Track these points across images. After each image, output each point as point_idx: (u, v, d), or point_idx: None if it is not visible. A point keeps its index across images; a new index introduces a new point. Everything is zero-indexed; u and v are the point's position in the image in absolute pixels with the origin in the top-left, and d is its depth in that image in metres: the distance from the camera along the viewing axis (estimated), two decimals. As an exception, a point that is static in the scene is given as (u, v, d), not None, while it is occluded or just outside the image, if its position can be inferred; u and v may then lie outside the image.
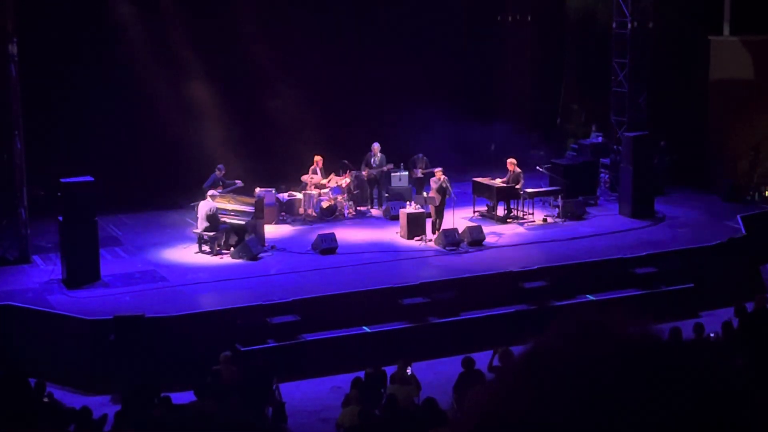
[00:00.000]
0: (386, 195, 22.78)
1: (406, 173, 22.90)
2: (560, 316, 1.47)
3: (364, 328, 17.00)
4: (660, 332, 1.43)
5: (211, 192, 19.84)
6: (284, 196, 22.18)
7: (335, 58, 25.05)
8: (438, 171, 20.73)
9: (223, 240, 19.51)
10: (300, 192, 22.22)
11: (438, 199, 20.39)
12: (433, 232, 20.21)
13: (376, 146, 22.76)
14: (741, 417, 1.33)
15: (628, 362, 1.35)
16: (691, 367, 1.37)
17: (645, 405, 1.30)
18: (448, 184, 20.52)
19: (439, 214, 20.47)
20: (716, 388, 1.34)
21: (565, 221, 21.58)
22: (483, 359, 13.80)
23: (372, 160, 22.67)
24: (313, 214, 21.77)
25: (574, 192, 22.27)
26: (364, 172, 22.56)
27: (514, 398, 1.37)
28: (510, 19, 27.79)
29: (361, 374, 13.96)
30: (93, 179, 17.99)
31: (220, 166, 20.87)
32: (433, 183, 20.65)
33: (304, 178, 22.16)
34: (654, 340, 1.40)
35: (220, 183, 20.59)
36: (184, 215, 21.87)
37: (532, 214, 21.82)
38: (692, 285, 18.81)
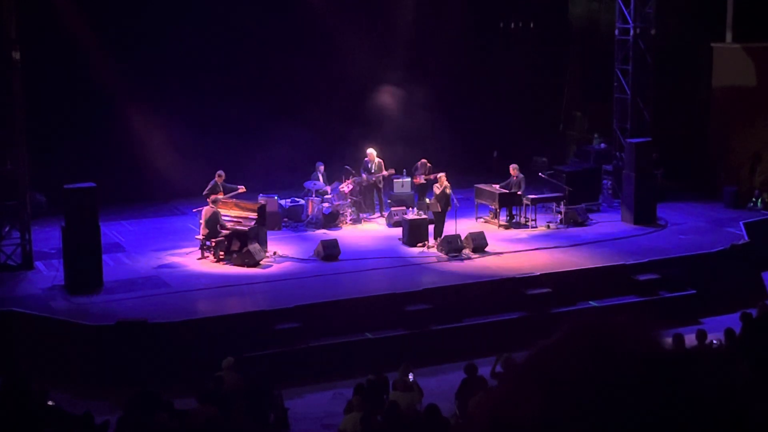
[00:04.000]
0: (388, 201, 22.77)
1: (409, 179, 22.90)
2: (564, 322, 1.47)
3: (367, 334, 16.98)
4: (665, 340, 1.43)
5: (213, 197, 19.87)
6: (287, 202, 22.19)
7: (338, 64, 25.07)
8: (441, 176, 20.74)
9: (226, 246, 19.51)
10: (303, 198, 22.24)
11: (439, 205, 20.40)
12: (435, 239, 20.21)
13: (371, 152, 22.73)
14: (744, 426, 1.32)
15: (634, 370, 1.35)
16: (697, 376, 1.36)
17: (649, 414, 1.30)
18: (450, 191, 20.53)
19: (441, 221, 20.46)
20: (719, 397, 1.34)
21: (567, 227, 21.58)
22: (486, 366, 13.78)
23: (369, 166, 22.65)
24: (316, 220, 21.77)
25: (576, 198, 22.27)
26: (363, 176, 22.55)
27: (518, 404, 1.37)
28: (513, 26, 27.81)
29: (364, 381, 13.94)
30: (95, 185, 18.00)
31: (220, 171, 20.88)
32: (436, 189, 20.63)
33: (307, 184, 22.18)
34: (660, 348, 1.40)
35: (220, 188, 20.59)
36: (186, 221, 21.89)
37: (535, 220, 21.82)
38: (694, 291, 18.82)
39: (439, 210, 20.44)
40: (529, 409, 1.34)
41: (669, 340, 1.45)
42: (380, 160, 22.71)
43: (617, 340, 1.40)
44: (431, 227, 20.54)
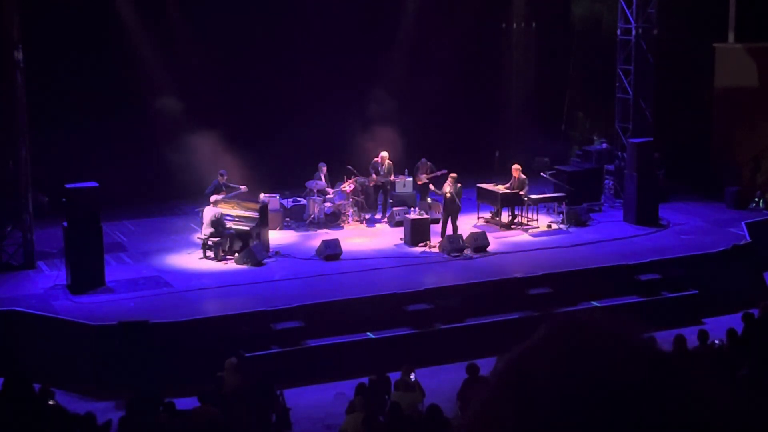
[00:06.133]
0: (390, 201, 22.78)
1: (411, 179, 22.91)
2: (549, 320, 1.45)
3: (368, 334, 16.99)
4: (653, 338, 1.41)
5: (214, 197, 19.88)
6: (289, 201, 22.21)
7: (340, 65, 25.07)
8: (451, 176, 20.56)
9: (228, 246, 19.52)
10: (304, 198, 22.25)
11: (441, 207, 20.40)
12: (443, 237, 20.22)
13: (384, 154, 22.73)
14: (739, 427, 1.31)
15: (620, 367, 1.34)
16: (688, 376, 1.35)
17: (637, 413, 1.29)
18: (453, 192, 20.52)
19: (454, 220, 20.39)
20: (712, 399, 1.33)
21: (569, 228, 21.57)
22: (487, 366, 13.75)
23: (380, 168, 22.65)
24: (318, 220, 21.78)
25: (578, 198, 22.26)
26: (373, 177, 22.54)
27: (504, 405, 1.36)
28: (515, 26, 27.80)
29: (365, 381, 13.95)
30: (98, 185, 18.02)
31: (222, 171, 20.89)
32: (449, 187, 20.43)
33: (309, 183, 22.19)
34: (647, 346, 1.39)
35: (223, 188, 20.61)
36: (188, 221, 21.89)
37: (537, 220, 21.82)
38: (696, 292, 18.81)
39: (446, 209, 20.42)
40: (508, 416, 1.33)
41: (661, 339, 1.44)
42: (391, 163, 22.71)
43: (597, 341, 1.38)
44: (438, 226, 20.54)
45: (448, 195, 20.39)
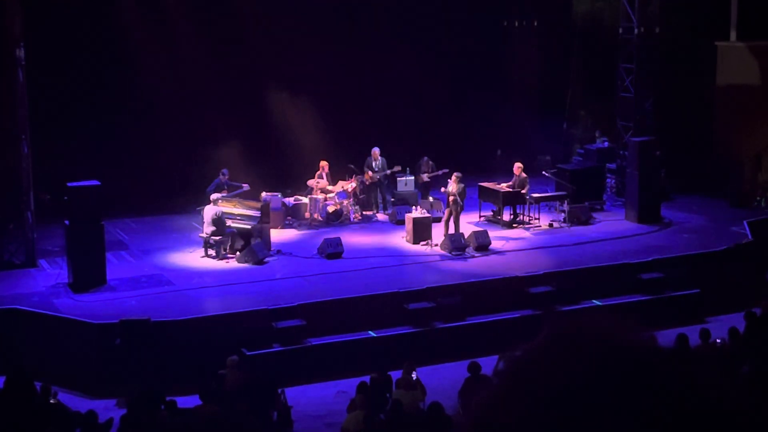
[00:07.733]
0: (392, 200, 22.78)
1: (412, 178, 22.91)
2: (552, 320, 1.45)
3: (370, 332, 16.99)
4: (655, 339, 1.41)
5: (214, 196, 19.87)
6: (290, 200, 22.21)
7: (342, 63, 25.08)
8: (456, 175, 20.50)
9: (229, 244, 19.53)
10: (306, 196, 22.25)
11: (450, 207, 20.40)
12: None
13: (375, 151, 22.76)
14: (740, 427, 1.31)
15: (621, 369, 1.33)
16: (686, 375, 1.35)
17: (640, 413, 1.29)
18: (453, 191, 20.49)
19: (456, 218, 20.38)
20: (712, 398, 1.32)
21: (571, 226, 21.56)
22: (489, 364, 13.77)
23: (373, 164, 22.67)
24: (319, 218, 21.79)
25: (580, 197, 22.25)
26: (368, 174, 22.55)
27: (505, 405, 1.36)
28: (516, 24, 27.79)
29: (367, 379, 13.95)
30: (99, 183, 18.03)
31: (224, 170, 20.90)
32: (453, 186, 20.37)
33: (310, 182, 22.19)
34: (648, 347, 1.38)
35: (225, 187, 20.61)
36: (190, 219, 21.89)
37: (538, 219, 21.81)
38: (698, 290, 18.79)
39: (458, 210, 20.41)
40: (513, 411, 1.33)
41: (661, 339, 1.43)
42: (383, 159, 22.74)
43: (604, 340, 1.38)
44: (441, 225, 20.52)
45: (451, 195, 20.37)
